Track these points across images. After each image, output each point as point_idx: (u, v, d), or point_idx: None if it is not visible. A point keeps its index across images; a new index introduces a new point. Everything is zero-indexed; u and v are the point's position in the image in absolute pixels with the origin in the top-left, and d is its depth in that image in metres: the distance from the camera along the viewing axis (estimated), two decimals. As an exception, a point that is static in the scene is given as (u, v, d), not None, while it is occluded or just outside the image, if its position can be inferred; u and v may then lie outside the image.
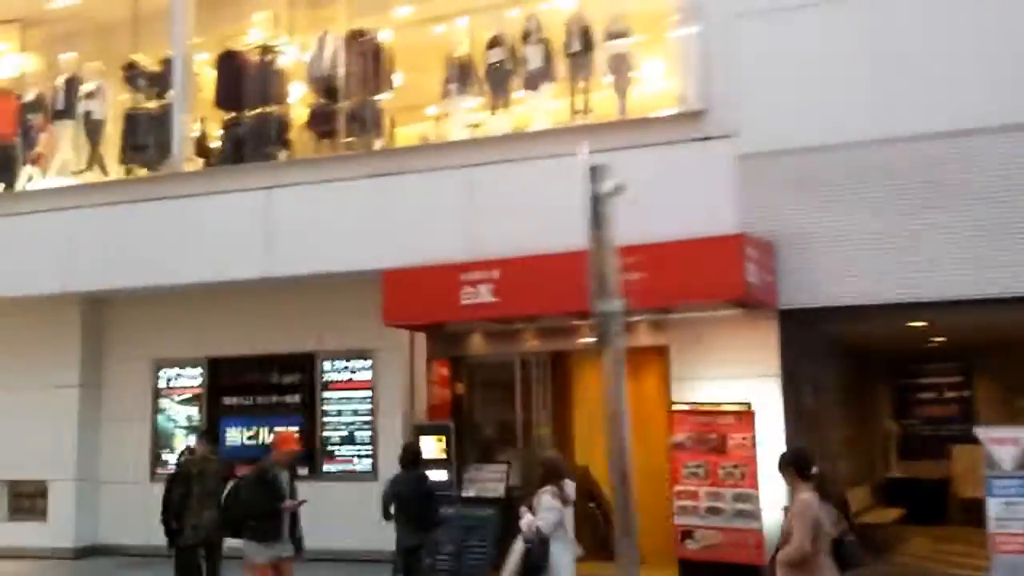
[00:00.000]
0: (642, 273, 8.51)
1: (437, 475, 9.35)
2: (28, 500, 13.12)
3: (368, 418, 11.65)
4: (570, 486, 7.27)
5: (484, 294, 9.35)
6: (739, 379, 8.95)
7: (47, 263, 12.07)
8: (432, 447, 9.94)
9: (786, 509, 6.21)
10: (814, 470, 6.04)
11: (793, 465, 6.03)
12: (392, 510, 8.03)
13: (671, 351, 9.44)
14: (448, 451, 9.99)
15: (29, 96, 13.48)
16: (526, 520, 6.89)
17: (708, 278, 8.29)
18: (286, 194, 11.06)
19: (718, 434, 8.67)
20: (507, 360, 10.81)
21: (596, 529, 11.72)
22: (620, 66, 10.36)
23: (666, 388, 9.55)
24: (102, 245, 11.87)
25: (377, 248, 10.42)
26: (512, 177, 10.04)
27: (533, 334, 10.43)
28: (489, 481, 9.93)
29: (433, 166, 10.51)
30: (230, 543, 8.28)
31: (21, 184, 13.02)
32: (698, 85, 9.45)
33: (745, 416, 8.62)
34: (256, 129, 11.84)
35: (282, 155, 11.69)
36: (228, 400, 12.37)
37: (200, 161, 12.42)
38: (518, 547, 6.90)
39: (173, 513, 9.07)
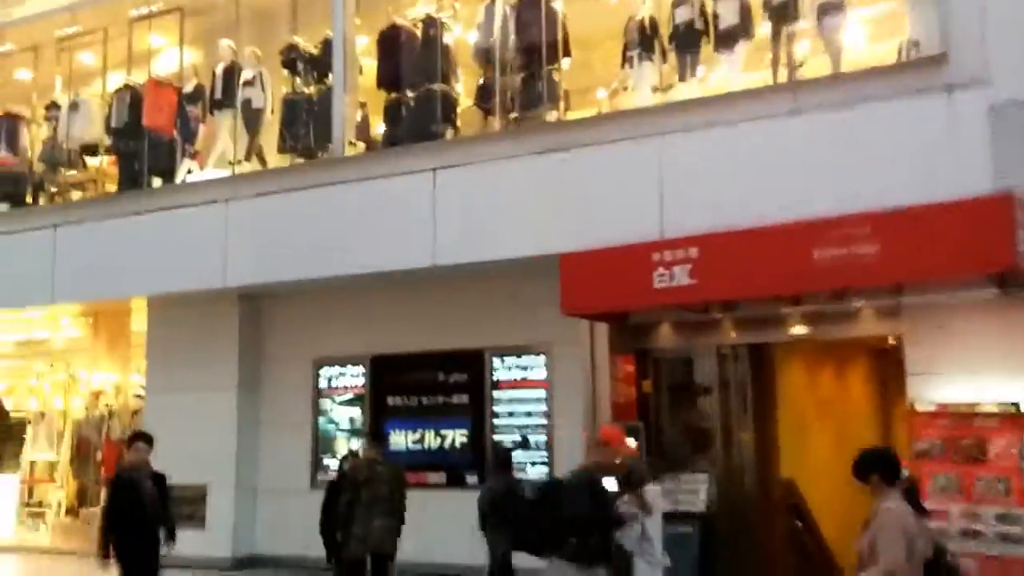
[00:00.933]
0: (875, 246, 7.28)
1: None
2: (188, 506, 12.70)
3: (543, 420, 10.67)
4: (652, 493, 6.58)
5: (680, 276, 8.24)
6: (994, 374, 7.51)
7: (205, 258, 11.65)
8: (620, 452, 8.85)
9: (867, 522, 4.99)
10: (904, 474, 5.14)
11: (878, 467, 4.99)
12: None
13: (905, 341, 8.06)
14: (640, 456, 8.89)
15: (188, 87, 13.22)
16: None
17: (966, 248, 6.91)
18: (453, 176, 10.23)
19: (975, 440, 7.26)
20: (701, 354, 9.67)
21: (802, 551, 10.44)
22: (832, 12, 9.05)
23: (899, 385, 8.19)
24: (261, 237, 11.37)
25: (553, 230, 9.43)
26: (708, 145, 8.90)
27: (732, 324, 9.24)
28: (687, 492, 8.77)
29: (616, 137, 9.46)
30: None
31: (180, 178, 12.74)
32: (936, 25, 8.08)
33: (1012, 419, 7.16)
34: (420, 108, 11.08)
35: (448, 134, 10.90)
36: (392, 401, 11.63)
37: (361, 146, 11.79)
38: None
39: (337, 522, 8.37)
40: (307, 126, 11.98)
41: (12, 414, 15.64)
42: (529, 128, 10.28)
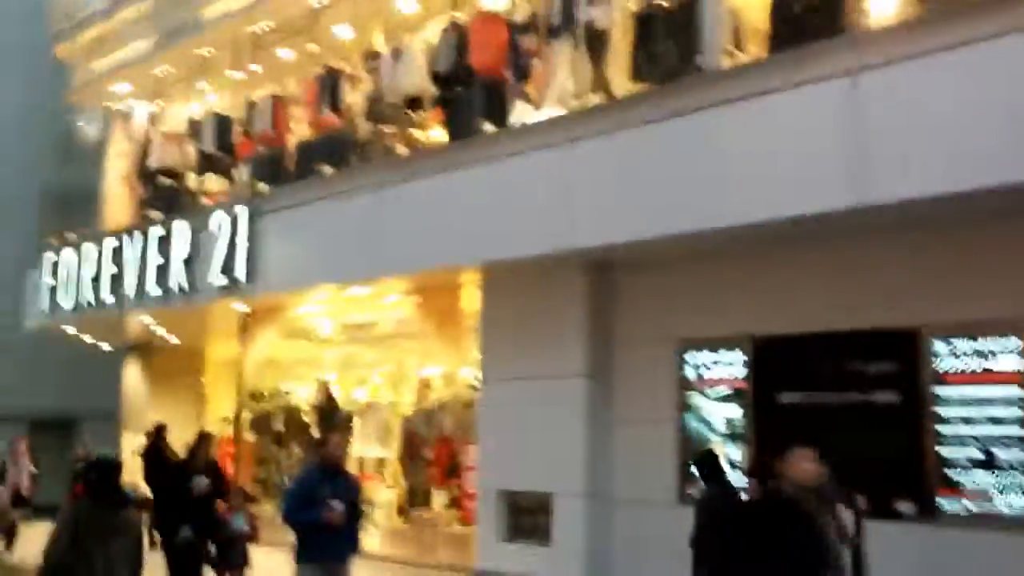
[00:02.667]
0: None
1: None
2: (529, 517, 10.87)
3: (1019, 430, 7.65)
4: (846, 515, 5.75)
5: None
6: None
7: (546, 215, 9.68)
8: None
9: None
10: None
11: None
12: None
13: None
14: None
15: (520, 17, 11.38)
16: None
17: None
18: (878, 80, 7.48)
19: None
20: None
21: None
22: None
23: None
24: (615, 185, 9.22)
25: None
26: None
27: None
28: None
29: None
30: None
31: (513, 123, 10.91)
32: None
33: None
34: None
35: (869, 24, 8.13)
36: (784, 398, 9.04)
37: (741, 56, 9.29)
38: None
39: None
40: (666, 43, 9.67)
41: (346, 406, 14.70)
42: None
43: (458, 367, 12.66)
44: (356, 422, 14.10)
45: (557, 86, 10.69)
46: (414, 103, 12.65)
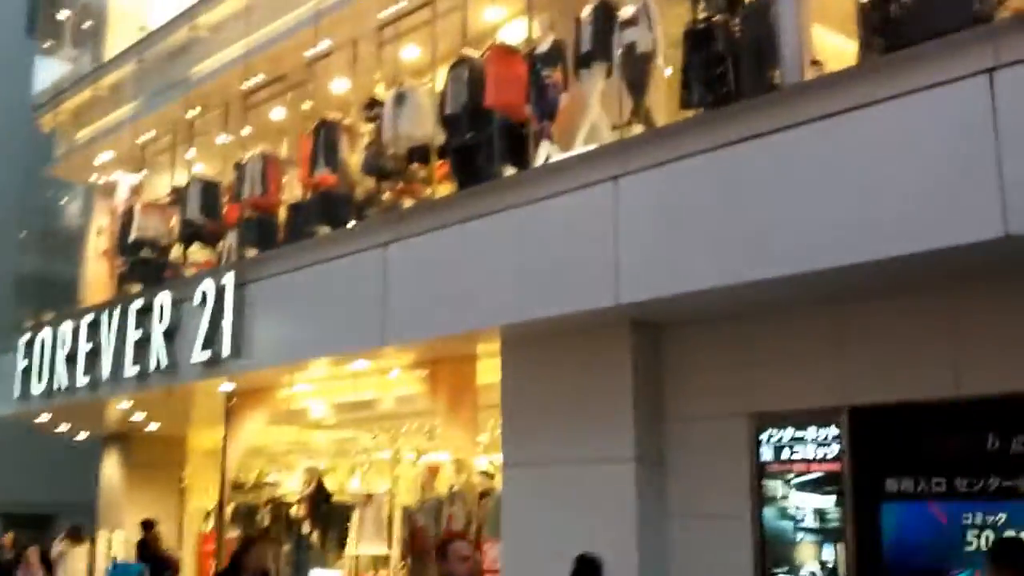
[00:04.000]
0: None
1: None
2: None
3: None
4: None
5: None
6: None
7: (583, 266, 7.60)
8: None
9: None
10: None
11: None
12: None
13: None
14: None
15: (543, 47, 9.48)
16: None
17: None
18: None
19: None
20: None
21: None
22: None
23: None
24: (659, 228, 7.16)
25: None
26: None
27: None
28: None
29: None
30: None
31: (539, 163, 8.91)
32: None
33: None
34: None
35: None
36: (895, 485, 6.82)
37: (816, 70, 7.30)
38: None
39: None
40: (725, 62, 7.73)
41: (334, 497, 12.35)
42: None
43: (471, 451, 10.36)
44: (354, 516, 11.73)
45: (590, 120, 8.75)
46: (419, 153, 10.68)
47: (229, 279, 11.26)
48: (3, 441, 20.99)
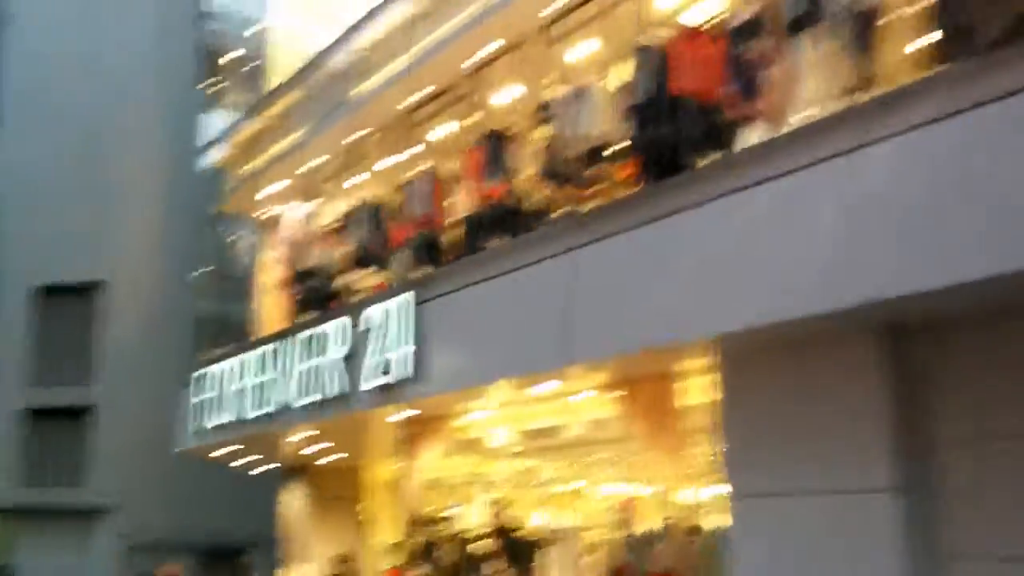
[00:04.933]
0: None
1: None
2: None
3: None
4: None
5: None
6: None
7: (810, 258, 6.10)
8: None
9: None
10: None
11: None
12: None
13: None
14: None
15: (738, 21, 8.03)
16: None
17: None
18: None
19: None
20: None
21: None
22: None
23: None
24: (919, 206, 5.59)
25: None
26: None
27: None
28: None
29: None
30: None
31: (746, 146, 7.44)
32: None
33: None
34: None
35: None
36: None
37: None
38: None
39: None
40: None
41: (520, 533, 11.05)
42: None
43: (677, 481, 8.86)
44: (540, 554, 10.41)
45: (808, 92, 7.22)
46: (599, 154, 9.37)
47: (403, 300, 10.24)
48: (193, 475, 20.88)
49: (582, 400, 9.67)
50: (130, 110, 24.48)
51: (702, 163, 7.74)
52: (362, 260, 12.84)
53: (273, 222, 16.30)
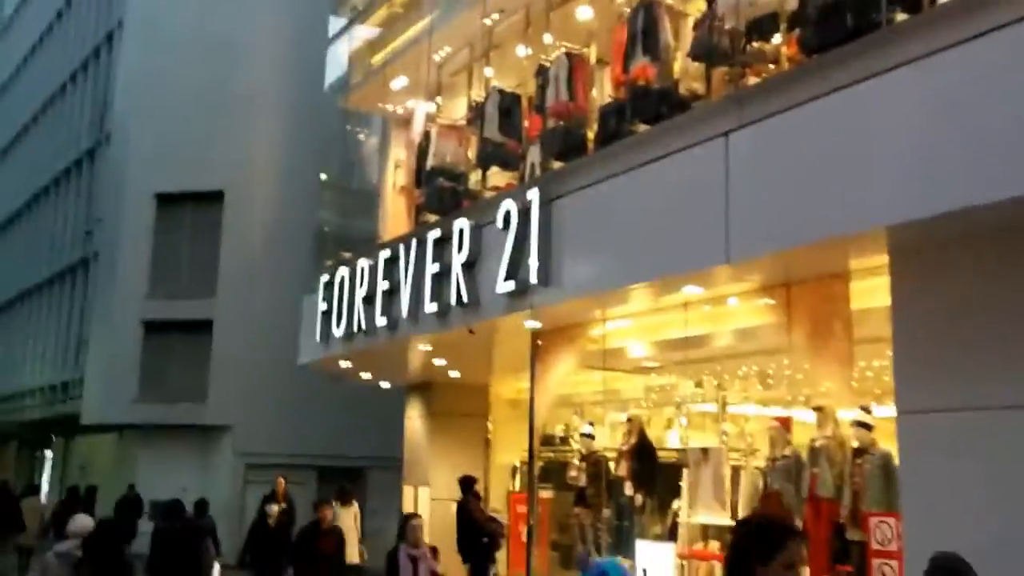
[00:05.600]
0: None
1: None
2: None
3: None
4: None
5: None
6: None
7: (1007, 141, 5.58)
8: None
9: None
10: None
11: None
12: None
13: None
14: None
15: None
16: None
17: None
18: None
19: None
20: None
21: None
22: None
23: None
24: None
25: None
26: None
27: None
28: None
29: None
30: None
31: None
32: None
33: None
34: None
35: None
36: None
37: None
38: None
39: None
40: None
41: (661, 452, 10.88)
42: None
43: (844, 397, 8.44)
44: (684, 476, 10.23)
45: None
46: (763, 25, 8.87)
47: (534, 196, 10.08)
48: (312, 392, 21.53)
49: (732, 306, 9.34)
50: (254, 17, 24.99)
51: (888, 24, 7.19)
52: (492, 157, 12.74)
53: (400, 120, 16.39)
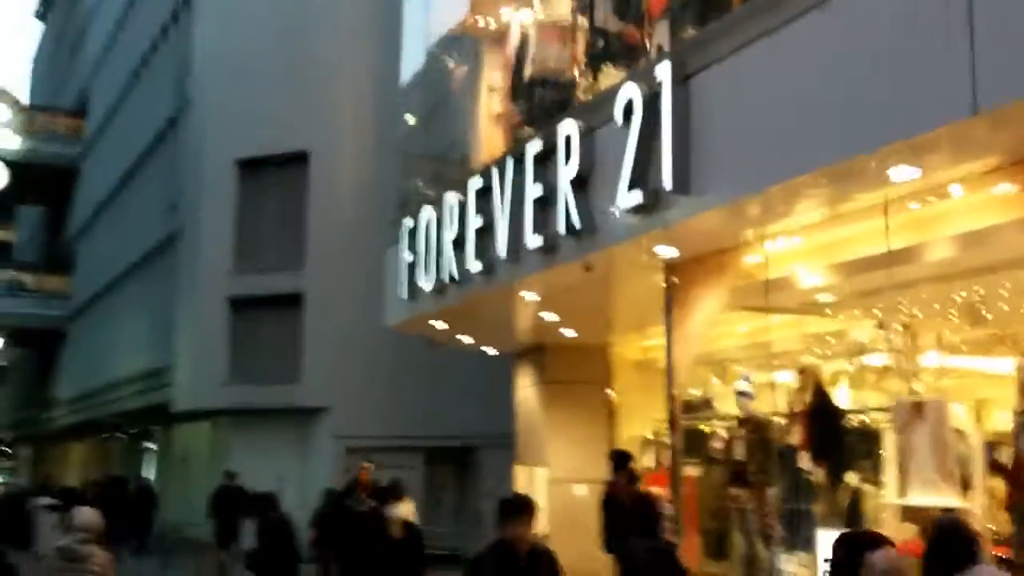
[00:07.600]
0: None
1: None
2: None
3: None
4: None
5: None
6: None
7: None
8: None
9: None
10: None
11: None
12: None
13: None
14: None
15: None
16: None
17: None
18: None
19: None
20: None
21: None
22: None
23: None
24: None
25: None
26: None
27: None
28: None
29: None
30: None
31: None
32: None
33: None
34: None
35: None
36: None
37: None
38: None
39: None
40: None
41: (851, 415, 8.37)
42: None
43: None
44: (883, 443, 7.70)
45: None
46: None
47: (664, 73, 7.71)
48: (414, 367, 19.88)
49: (953, 200, 6.75)
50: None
51: None
52: (607, 51, 10.39)
53: (493, 38, 14.20)
